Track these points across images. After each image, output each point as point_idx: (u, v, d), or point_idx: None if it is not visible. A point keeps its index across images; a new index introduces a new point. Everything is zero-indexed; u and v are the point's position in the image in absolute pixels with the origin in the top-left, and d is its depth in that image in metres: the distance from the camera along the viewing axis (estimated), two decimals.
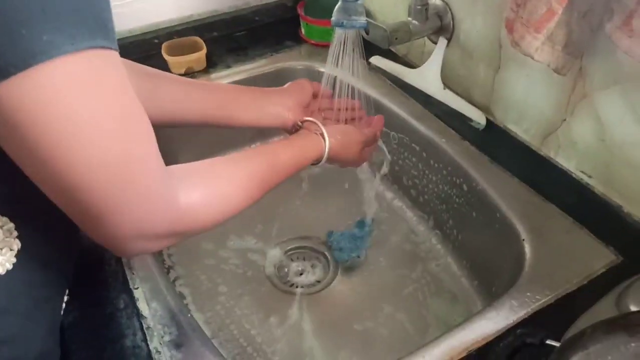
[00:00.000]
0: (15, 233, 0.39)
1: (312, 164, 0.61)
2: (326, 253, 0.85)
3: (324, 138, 0.61)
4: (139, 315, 0.53)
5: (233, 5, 1.06)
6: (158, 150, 0.38)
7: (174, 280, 0.79)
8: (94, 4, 0.32)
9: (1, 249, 0.39)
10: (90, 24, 0.31)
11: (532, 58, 0.51)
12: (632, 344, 0.35)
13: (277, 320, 0.75)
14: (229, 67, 0.95)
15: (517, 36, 0.50)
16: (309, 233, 0.87)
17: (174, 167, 0.42)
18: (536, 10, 0.46)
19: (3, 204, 0.38)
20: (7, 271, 0.39)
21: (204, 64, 0.93)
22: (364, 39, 0.69)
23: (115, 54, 0.33)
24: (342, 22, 0.65)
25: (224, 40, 1.03)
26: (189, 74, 0.90)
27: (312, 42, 1.01)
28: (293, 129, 0.67)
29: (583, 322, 0.49)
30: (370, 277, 0.81)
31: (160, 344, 0.51)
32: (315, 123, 0.63)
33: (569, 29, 0.50)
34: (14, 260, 0.39)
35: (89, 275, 0.57)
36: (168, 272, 0.79)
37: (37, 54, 0.29)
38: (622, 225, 0.62)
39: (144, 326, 0.52)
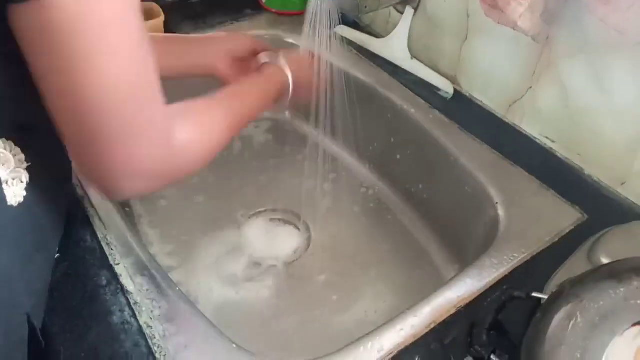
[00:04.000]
0: (25, 164, 0.38)
1: (280, 97, 0.64)
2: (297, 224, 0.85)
3: (284, 71, 0.64)
4: (124, 291, 0.51)
5: None
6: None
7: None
8: None
9: (13, 179, 0.37)
10: None
11: (515, 25, 0.53)
12: (622, 289, 0.38)
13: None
14: (187, 34, 0.92)
15: (502, 3, 0.51)
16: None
17: (169, 105, 0.42)
18: None
19: (14, 133, 0.38)
20: (19, 204, 0.38)
21: (161, 32, 0.89)
22: None
23: None
24: None
25: (181, 7, 0.98)
26: None
27: (273, 10, 0.98)
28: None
29: (561, 276, 0.52)
30: (342, 247, 0.82)
31: (151, 318, 0.49)
32: (274, 56, 0.66)
33: None
34: (25, 192, 0.38)
35: (64, 253, 0.54)
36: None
37: None
38: (584, 186, 0.66)
39: (131, 302, 0.51)
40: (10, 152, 0.37)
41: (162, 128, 0.40)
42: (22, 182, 0.38)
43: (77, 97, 0.34)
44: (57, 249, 0.51)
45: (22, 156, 0.38)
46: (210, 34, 0.72)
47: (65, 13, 0.31)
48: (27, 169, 0.39)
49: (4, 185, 0.37)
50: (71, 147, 0.39)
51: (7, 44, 0.33)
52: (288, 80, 0.64)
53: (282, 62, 0.65)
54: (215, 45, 0.68)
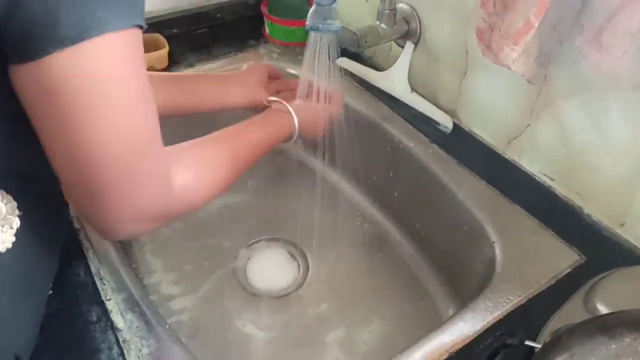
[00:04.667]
0: (17, 212, 0.39)
1: (284, 141, 0.64)
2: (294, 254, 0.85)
3: (292, 115, 0.64)
4: (113, 329, 0.51)
5: (194, 1, 1.03)
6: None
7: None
8: None
9: (2, 226, 0.38)
10: (136, 4, 0.35)
11: (509, 68, 0.53)
12: (613, 345, 0.37)
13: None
14: (191, 65, 0.93)
15: (495, 47, 0.51)
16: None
17: (167, 148, 0.43)
18: (514, 23, 0.48)
19: (8, 182, 0.38)
20: (7, 250, 0.38)
21: (165, 63, 0.90)
22: None
23: (141, 32, 0.36)
24: (318, 26, 0.65)
25: (185, 37, 1.00)
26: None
27: (277, 41, 1.00)
28: (260, 109, 0.68)
29: (555, 323, 0.51)
30: (340, 281, 0.81)
31: (139, 357, 0.49)
32: (281, 102, 0.66)
33: (540, 40, 0.52)
34: (13, 239, 0.39)
35: (56, 287, 0.54)
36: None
37: (91, 29, 0.32)
38: (583, 226, 0.65)
39: (120, 339, 0.50)
40: (2, 201, 0.38)
41: (161, 175, 0.40)
42: (11, 228, 0.39)
43: (76, 150, 0.35)
44: (50, 287, 0.51)
45: (14, 204, 0.39)
46: (233, 72, 0.75)
47: (62, 73, 0.32)
48: (20, 215, 0.39)
49: None
50: (69, 191, 0.40)
51: (7, 100, 0.34)
52: (294, 123, 0.64)
53: (289, 105, 0.66)
54: (243, 77, 0.72)
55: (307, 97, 0.72)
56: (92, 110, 0.34)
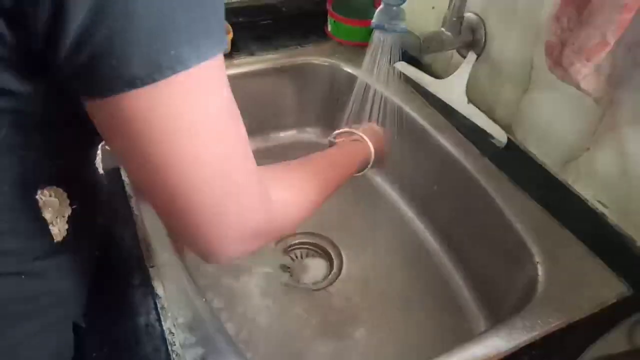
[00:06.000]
0: (68, 201, 0.40)
1: (359, 171, 0.64)
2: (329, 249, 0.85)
3: (367, 143, 0.64)
4: (153, 295, 0.53)
5: None
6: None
7: None
8: (218, 10, 0.32)
9: (57, 217, 0.39)
10: (213, 33, 0.31)
11: (577, 86, 0.51)
12: None
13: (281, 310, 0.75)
14: (252, 54, 0.95)
15: (565, 62, 0.50)
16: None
17: (261, 167, 0.41)
18: (589, 39, 0.47)
19: (60, 177, 0.39)
20: (64, 238, 0.40)
21: (228, 49, 0.93)
22: None
23: (223, 56, 0.33)
24: (383, 26, 0.65)
25: (249, 27, 1.02)
26: None
27: (338, 39, 1.00)
28: (329, 142, 0.68)
29: (595, 351, 0.50)
30: (376, 285, 0.81)
31: (174, 325, 0.50)
32: (349, 131, 0.65)
33: (614, 60, 0.50)
34: (66, 226, 0.40)
35: (106, 250, 0.56)
36: None
37: (163, 69, 0.29)
38: (635, 259, 0.63)
39: (159, 305, 0.52)
40: (54, 195, 0.38)
41: (257, 192, 0.39)
42: (64, 216, 0.40)
43: (162, 177, 0.33)
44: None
45: (65, 194, 0.40)
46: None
47: (133, 112, 0.30)
48: (71, 206, 0.41)
49: (50, 227, 0.39)
50: (163, 218, 0.38)
51: (64, 108, 0.34)
52: (371, 152, 0.64)
53: (362, 134, 0.65)
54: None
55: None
56: (173, 145, 0.32)
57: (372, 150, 0.64)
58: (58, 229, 0.39)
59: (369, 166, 0.65)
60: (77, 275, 0.44)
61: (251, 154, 0.37)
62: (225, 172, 0.35)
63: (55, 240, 0.40)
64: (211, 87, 0.32)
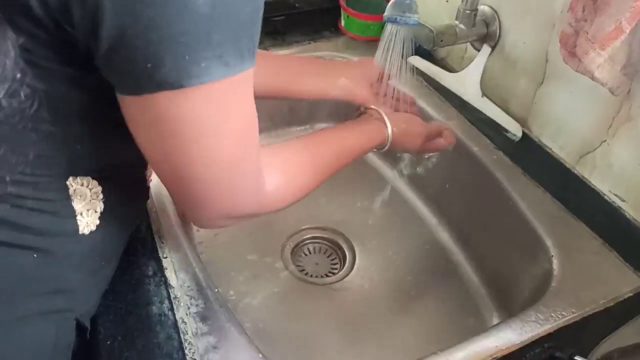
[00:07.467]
0: (101, 196, 0.41)
1: (376, 149, 0.63)
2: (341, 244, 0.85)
3: (386, 126, 0.62)
4: (166, 284, 0.54)
5: None
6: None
7: None
8: (251, 32, 0.33)
9: (88, 210, 0.40)
10: (243, 51, 0.33)
11: (592, 75, 0.51)
12: None
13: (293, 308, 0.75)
14: (265, 49, 0.95)
15: (579, 51, 0.49)
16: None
17: (261, 151, 0.43)
18: (603, 27, 0.46)
19: (92, 168, 0.40)
20: (91, 232, 0.41)
21: None
22: None
23: (252, 71, 0.35)
24: (396, 18, 0.65)
25: (262, 22, 1.02)
26: None
27: (351, 34, 1.00)
28: (357, 112, 0.67)
29: (609, 344, 0.49)
30: (388, 279, 0.81)
31: (187, 314, 0.51)
32: (377, 111, 0.64)
33: (630, 49, 0.50)
34: (98, 222, 0.41)
35: None
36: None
37: (192, 78, 0.31)
38: None
39: (171, 295, 0.52)
40: (87, 186, 0.40)
41: (257, 182, 0.43)
42: (96, 212, 0.41)
43: (180, 165, 0.37)
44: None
45: (99, 189, 0.41)
46: (342, 61, 0.73)
47: (162, 111, 0.33)
48: (103, 200, 0.42)
49: (78, 217, 0.40)
50: (169, 190, 0.43)
51: (98, 102, 0.36)
52: (388, 133, 0.62)
53: (385, 116, 0.63)
54: (352, 70, 0.69)
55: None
56: (195, 143, 0.35)
57: (390, 136, 0.62)
58: (87, 222, 0.41)
59: (385, 149, 0.64)
60: (90, 272, 0.44)
61: (259, 157, 0.41)
62: (237, 165, 0.39)
63: (80, 232, 0.41)
64: (235, 99, 0.35)
